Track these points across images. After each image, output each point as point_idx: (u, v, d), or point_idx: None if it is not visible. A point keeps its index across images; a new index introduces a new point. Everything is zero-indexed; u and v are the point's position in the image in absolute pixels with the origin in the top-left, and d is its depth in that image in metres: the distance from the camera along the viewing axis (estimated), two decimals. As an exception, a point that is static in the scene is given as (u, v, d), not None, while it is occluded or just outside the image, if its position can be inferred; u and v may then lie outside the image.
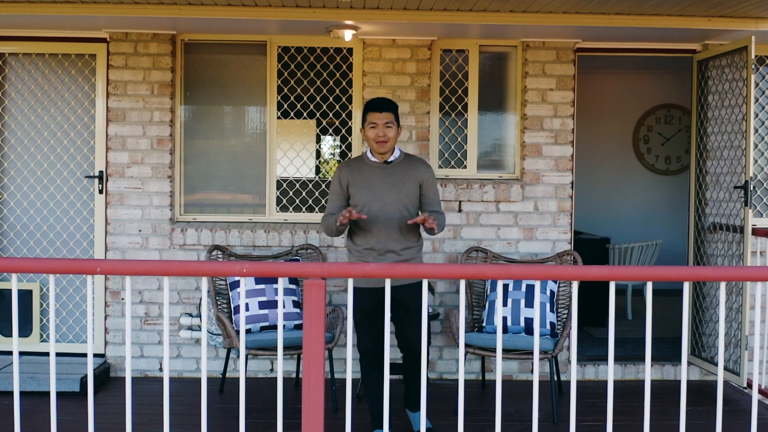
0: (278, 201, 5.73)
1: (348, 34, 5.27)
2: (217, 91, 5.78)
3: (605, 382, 5.54)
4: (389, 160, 4.22)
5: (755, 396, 2.83)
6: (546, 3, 4.81)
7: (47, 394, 4.92)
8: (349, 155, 5.75)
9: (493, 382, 5.46)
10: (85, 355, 5.53)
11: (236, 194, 5.81)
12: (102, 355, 5.58)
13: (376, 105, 4.19)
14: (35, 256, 5.66)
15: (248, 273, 2.59)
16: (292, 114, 5.75)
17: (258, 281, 4.98)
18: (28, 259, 2.79)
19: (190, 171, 5.74)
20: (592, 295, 6.76)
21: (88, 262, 2.67)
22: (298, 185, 5.76)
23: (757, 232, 5.23)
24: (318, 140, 5.85)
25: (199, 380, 5.43)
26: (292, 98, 5.72)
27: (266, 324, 4.92)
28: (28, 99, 5.69)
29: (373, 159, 4.22)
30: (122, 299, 5.56)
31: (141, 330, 5.57)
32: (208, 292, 5.08)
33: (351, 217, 3.95)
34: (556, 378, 5.00)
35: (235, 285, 5.04)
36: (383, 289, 3.74)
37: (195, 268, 2.75)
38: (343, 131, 5.79)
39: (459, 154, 5.74)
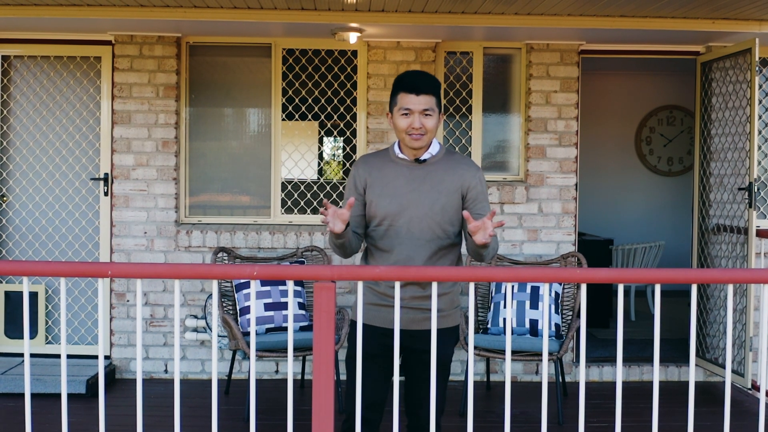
0: (283, 203, 5.74)
1: (353, 37, 5.28)
2: (221, 94, 5.79)
3: (609, 384, 5.56)
4: (423, 157, 3.06)
5: (762, 398, 2.83)
6: (550, 5, 4.82)
7: (54, 396, 4.94)
8: (354, 157, 5.75)
9: (498, 383, 5.47)
10: (90, 357, 5.54)
11: (241, 196, 5.82)
12: (107, 357, 5.59)
13: (412, 83, 2.98)
14: (41, 259, 5.67)
15: (259, 276, 2.60)
16: (296, 116, 5.76)
17: (263, 283, 4.99)
18: (39, 262, 2.80)
19: (195, 173, 5.75)
20: (596, 296, 6.77)
21: (99, 265, 2.68)
22: (302, 187, 5.77)
23: (761, 233, 5.24)
24: (322, 142, 5.86)
25: (204, 382, 5.44)
26: (296, 100, 5.74)
27: (272, 325, 4.94)
28: (33, 101, 5.70)
29: (401, 155, 3.08)
30: (128, 301, 5.57)
31: (146, 332, 5.58)
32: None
33: (342, 216, 2.81)
34: (560, 379, 5.01)
35: (241, 287, 5.05)
36: (398, 331, 2.71)
37: (205, 271, 2.76)
38: (348, 133, 5.80)
39: (463, 156, 5.75)
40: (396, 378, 2.67)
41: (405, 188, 3.03)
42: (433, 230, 3.00)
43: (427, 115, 2.97)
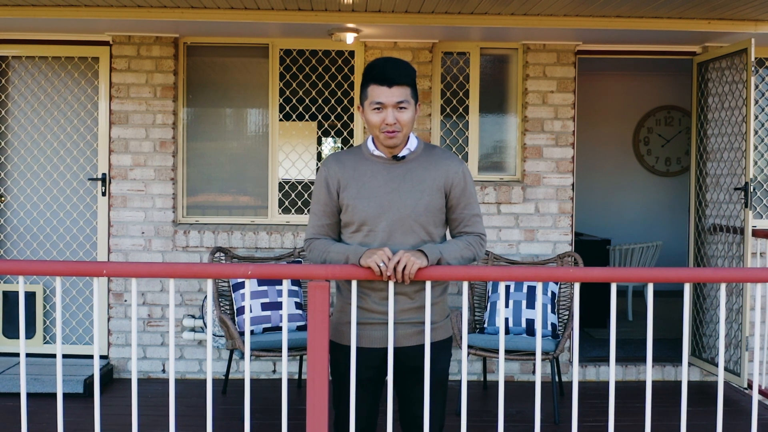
0: (280, 203, 5.75)
1: (350, 37, 5.29)
2: (219, 94, 5.80)
3: (606, 383, 5.56)
4: (401, 154, 2.78)
5: (755, 396, 2.85)
6: (547, 6, 4.83)
7: (51, 395, 4.94)
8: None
9: (495, 383, 5.48)
10: (88, 356, 5.55)
11: (238, 196, 5.84)
12: (105, 357, 5.60)
13: (383, 74, 2.67)
14: (38, 259, 5.69)
15: (253, 275, 2.62)
16: (293, 116, 5.77)
17: (260, 283, 5.00)
18: (35, 262, 2.81)
19: (193, 173, 5.76)
20: (593, 296, 6.78)
21: (94, 264, 2.69)
22: (300, 187, 5.78)
23: (757, 233, 5.25)
24: (319, 142, 5.87)
25: (201, 381, 5.45)
26: (294, 101, 5.75)
27: (269, 325, 4.95)
28: (31, 102, 5.71)
29: (376, 152, 2.79)
30: (125, 301, 5.58)
31: (144, 332, 5.60)
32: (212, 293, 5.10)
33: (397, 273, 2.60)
34: (557, 379, 5.02)
35: (238, 287, 5.06)
36: (388, 350, 2.71)
37: (200, 270, 2.77)
38: (345, 133, 5.81)
39: (460, 156, 5.76)
40: (389, 403, 2.68)
41: (383, 189, 2.74)
42: (417, 233, 2.73)
43: (401, 108, 2.68)
